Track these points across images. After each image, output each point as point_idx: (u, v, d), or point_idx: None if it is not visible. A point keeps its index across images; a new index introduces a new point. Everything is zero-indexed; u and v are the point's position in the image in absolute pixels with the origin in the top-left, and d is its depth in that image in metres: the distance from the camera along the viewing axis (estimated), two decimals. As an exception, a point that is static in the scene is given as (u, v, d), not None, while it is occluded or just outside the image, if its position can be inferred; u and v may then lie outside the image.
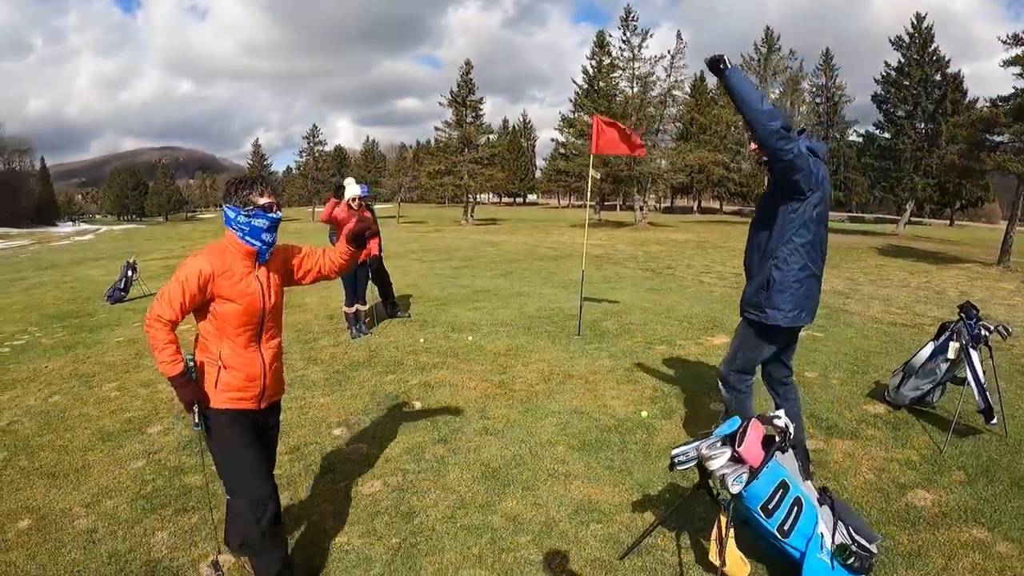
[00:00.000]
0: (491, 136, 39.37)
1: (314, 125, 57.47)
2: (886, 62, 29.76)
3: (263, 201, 2.23)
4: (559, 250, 16.13)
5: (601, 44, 34.89)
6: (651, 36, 31.36)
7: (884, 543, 2.56)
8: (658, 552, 2.55)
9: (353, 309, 6.36)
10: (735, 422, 2.15)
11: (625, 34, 31.39)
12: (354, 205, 6.37)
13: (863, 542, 2.21)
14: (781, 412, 2.13)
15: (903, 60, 29.00)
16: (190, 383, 2.19)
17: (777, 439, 2.01)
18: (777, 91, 34.95)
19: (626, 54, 31.75)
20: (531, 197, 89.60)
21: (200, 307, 2.21)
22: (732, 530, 2.02)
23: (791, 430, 2.08)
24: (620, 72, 32.93)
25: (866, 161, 32.70)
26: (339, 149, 79.91)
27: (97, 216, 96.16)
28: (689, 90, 42.22)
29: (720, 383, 3.21)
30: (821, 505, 2.22)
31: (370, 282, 6.92)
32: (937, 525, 2.72)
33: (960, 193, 30.94)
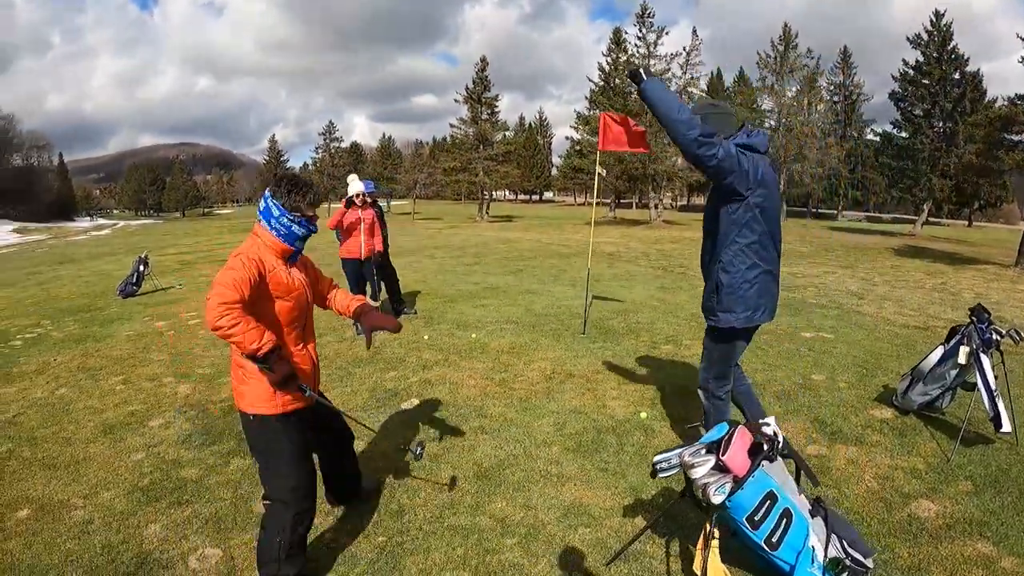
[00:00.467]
0: (507, 133, 39.18)
1: (330, 121, 57.90)
2: (904, 60, 29.17)
3: (310, 213, 2.22)
4: (571, 248, 16.01)
5: (618, 41, 34.63)
6: (667, 33, 30.96)
7: (882, 556, 2.47)
8: (645, 559, 2.49)
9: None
10: (722, 428, 2.07)
11: (641, 31, 31.01)
12: (358, 201, 6.38)
13: (858, 556, 2.12)
14: (771, 420, 2.06)
15: (921, 58, 28.40)
16: (284, 356, 2.09)
17: (765, 447, 1.93)
18: (794, 89, 34.44)
19: (642, 51, 31.38)
20: (547, 195, 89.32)
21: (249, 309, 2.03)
22: (716, 540, 1.95)
23: (780, 439, 2.01)
24: (636, 69, 32.56)
25: (883, 160, 32.13)
26: (355, 145, 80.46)
27: (115, 211, 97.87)
28: (705, 87, 41.71)
29: (700, 392, 3.19)
30: (814, 517, 2.12)
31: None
32: (940, 538, 2.61)
33: (978, 193, 30.19)
